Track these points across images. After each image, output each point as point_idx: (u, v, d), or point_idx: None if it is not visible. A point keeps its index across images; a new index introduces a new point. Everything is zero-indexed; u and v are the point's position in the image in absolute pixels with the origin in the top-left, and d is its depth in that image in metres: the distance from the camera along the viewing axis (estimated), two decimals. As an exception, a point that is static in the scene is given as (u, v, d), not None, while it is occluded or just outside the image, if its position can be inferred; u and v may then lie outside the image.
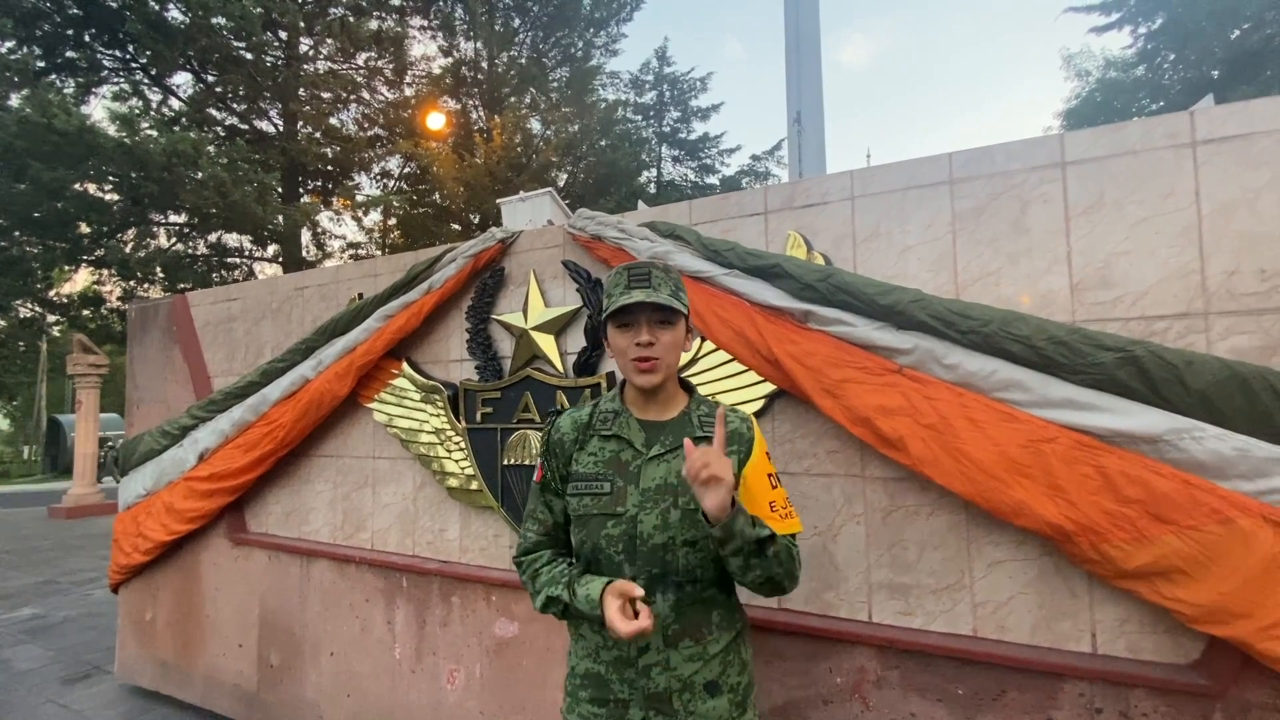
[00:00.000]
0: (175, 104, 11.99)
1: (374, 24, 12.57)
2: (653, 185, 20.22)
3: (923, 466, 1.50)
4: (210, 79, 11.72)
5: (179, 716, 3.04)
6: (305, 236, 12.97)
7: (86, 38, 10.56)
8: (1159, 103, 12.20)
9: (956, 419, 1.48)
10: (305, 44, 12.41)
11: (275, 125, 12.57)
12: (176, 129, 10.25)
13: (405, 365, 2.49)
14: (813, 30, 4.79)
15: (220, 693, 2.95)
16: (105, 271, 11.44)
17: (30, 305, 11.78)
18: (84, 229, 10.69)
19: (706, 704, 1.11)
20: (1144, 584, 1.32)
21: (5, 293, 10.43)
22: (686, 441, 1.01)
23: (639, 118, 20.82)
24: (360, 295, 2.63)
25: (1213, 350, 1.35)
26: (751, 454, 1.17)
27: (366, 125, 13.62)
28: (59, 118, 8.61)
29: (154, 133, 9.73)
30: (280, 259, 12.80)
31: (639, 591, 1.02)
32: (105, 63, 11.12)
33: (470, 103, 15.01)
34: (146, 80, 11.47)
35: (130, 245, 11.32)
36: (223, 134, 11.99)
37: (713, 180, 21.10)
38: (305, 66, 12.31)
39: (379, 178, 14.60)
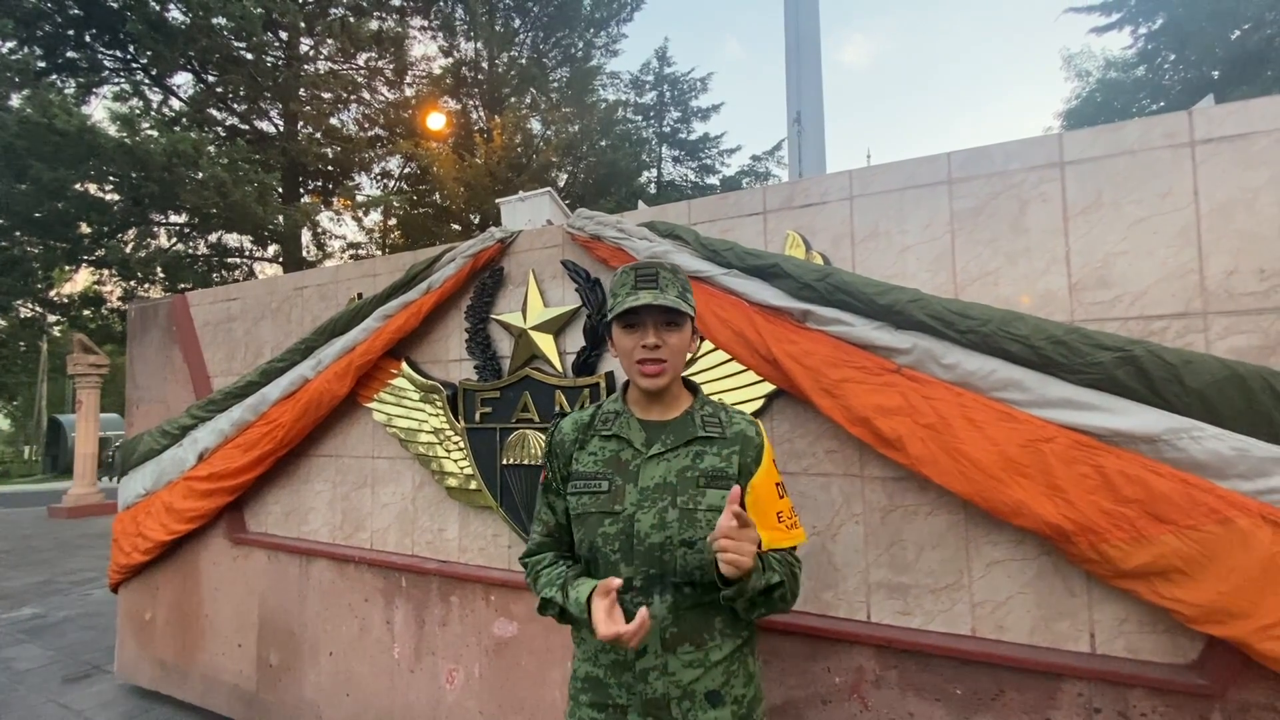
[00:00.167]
0: (176, 104, 12.01)
1: (374, 24, 12.57)
2: (653, 185, 20.22)
3: (921, 466, 1.50)
4: (211, 79, 11.72)
5: (178, 716, 3.04)
6: (305, 237, 12.98)
7: (87, 38, 10.57)
8: (1159, 103, 12.19)
9: (955, 419, 1.48)
10: (306, 44, 12.41)
11: (276, 125, 12.58)
12: (177, 129, 10.24)
13: (404, 365, 2.49)
14: (813, 30, 4.79)
15: (219, 692, 2.95)
16: (106, 271, 11.46)
17: (31, 305, 11.79)
18: (85, 229, 10.69)
19: (708, 714, 1.08)
20: (1142, 584, 1.32)
21: (6, 293, 10.44)
22: (729, 504, 0.96)
23: (639, 118, 20.84)
24: (359, 295, 2.63)
25: (1211, 350, 1.35)
26: (761, 462, 1.16)
27: (367, 125, 13.62)
28: (60, 118, 8.62)
29: (154, 133, 9.73)
30: (280, 259, 12.81)
31: (616, 582, 1.02)
32: (106, 63, 11.13)
33: (470, 103, 15.02)
34: (147, 80, 11.47)
35: (131, 245, 11.33)
36: (223, 134, 12.00)
37: (713, 180, 21.12)
38: (306, 67, 12.32)
39: (379, 178, 14.62)
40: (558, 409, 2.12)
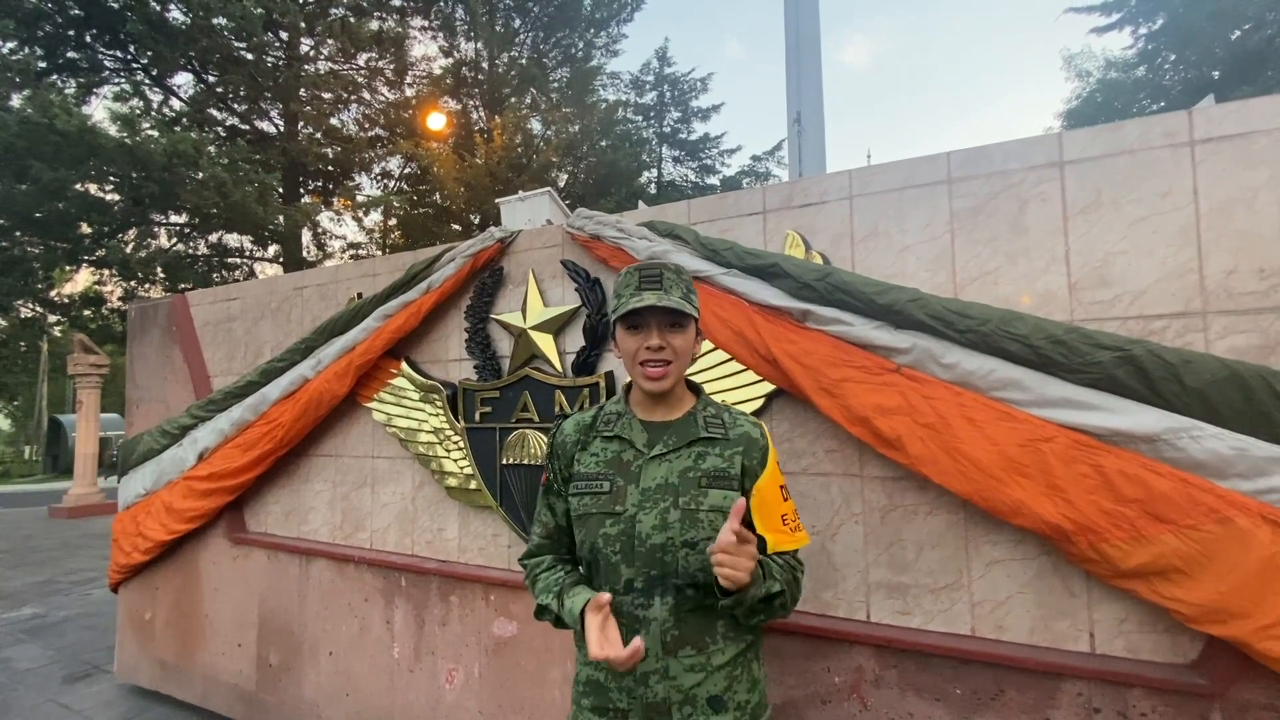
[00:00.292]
0: (176, 104, 12.01)
1: (375, 24, 12.57)
2: (653, 185, 20.23)
3: (921, 466, 1.50)
4: (211, 79, 11.73)
5: (178, 716, 3.04)
6: (306, 237, 12.98)
7: (88, 38, 10.57)
8: (1160, 103, 12.19)
9: (955, 418, 1.48)
10: (306, 44, 12.41)
11: (276, 125, 12.58)
12: (177, 129, 10.23)
13: (404, 365, 2.49)
14: (813, 31, 4.79)
15: (219, 692, 2.95)
16: (106, 271, 11.45)
17: (31, 305, 11.78)
18: (85, 229, 10.69)
19: None
20: (1142, 583, 1.32)
21: (6, 293, 10.43)
22: (731, 520, 0.96)
23: (639, 118, 20.85)
24: (359, 295, 2.63)
25: (1211, 349, 1.35)
26: (766, 465, 1.15)
27: (367, 125, 13.63)
28: (60, 118, 8.62)
29: (155, 133, 9.73)
30: (281, 259, 12.81)
31: (606, 597, 1.02)
32: (106, 63, 11.13)
33: (471, 103, 15.02)
34: (147, 81, 11.48)
35: (131, 245, 11.33)
36: (223, 134, 12.00)
37: (713, 180, 21.14)
38: (306, 67, 12.32)
39: (379, 178, 14.62)
40: (557, 409, 2.12)
